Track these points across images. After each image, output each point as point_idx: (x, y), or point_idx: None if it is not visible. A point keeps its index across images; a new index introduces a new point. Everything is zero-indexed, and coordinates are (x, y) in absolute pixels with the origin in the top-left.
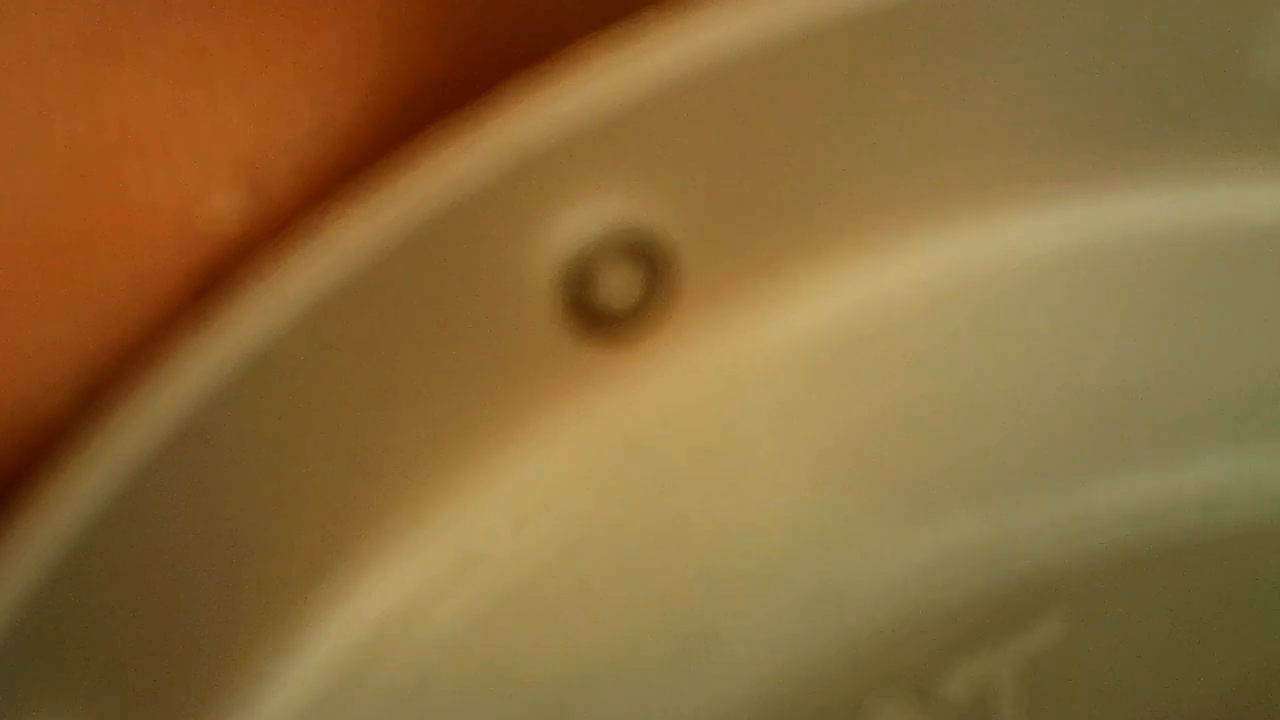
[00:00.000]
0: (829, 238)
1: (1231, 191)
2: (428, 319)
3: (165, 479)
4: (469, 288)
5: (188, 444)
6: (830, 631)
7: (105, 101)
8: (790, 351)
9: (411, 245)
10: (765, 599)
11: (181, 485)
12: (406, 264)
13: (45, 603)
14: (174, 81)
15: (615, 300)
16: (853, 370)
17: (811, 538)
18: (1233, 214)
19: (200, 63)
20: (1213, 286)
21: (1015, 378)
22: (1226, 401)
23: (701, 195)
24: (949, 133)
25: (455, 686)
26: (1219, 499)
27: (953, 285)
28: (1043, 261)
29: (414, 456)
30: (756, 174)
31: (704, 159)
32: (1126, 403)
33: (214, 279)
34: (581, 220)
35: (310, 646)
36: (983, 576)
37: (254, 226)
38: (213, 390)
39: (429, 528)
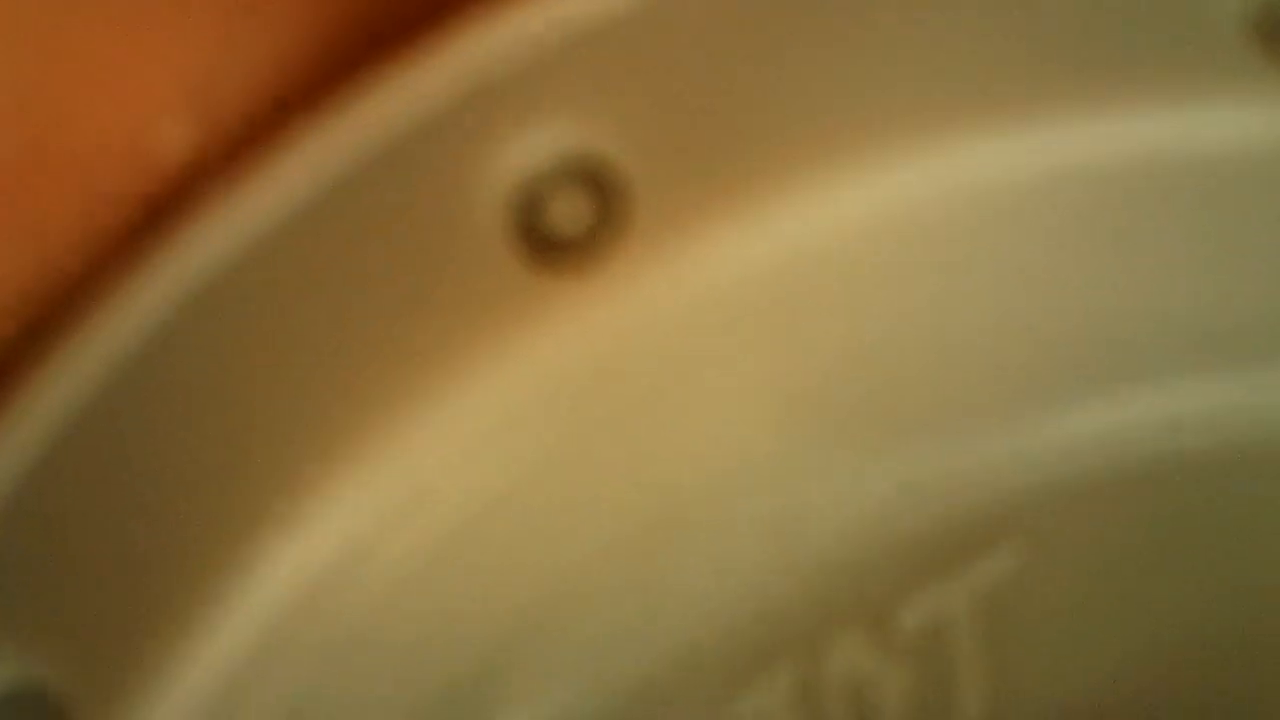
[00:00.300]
0: (786, 165)
1: (1190, 118)
2: (378, 245)
3: (109, 412)
4: (420, 214)
5: (132, 376)
6: (787, 563)
7: (47, 28)
8: (746, 281)
9: (362, 171)
10: (722, 531)
11: (126, 418)
12: (356, 190)
13: None
14: (119, 7)
15: (567, 227)
16: (810, 300)
17: (768, 469)
18: (1193, 142)
19: None
20: (1170, 214)
21: (974, 308)
22: (1184, 328)
23: (654, 121)
24: (910, 55)
25: (405, 622)
26: (1175, 426)
27: (912, 213)
28: (1004, 188)
29: (363, 386)
30: (710, 98)
31: (656, 84)
32: (1085, 332)
33: (165, 208)
34: (533, 146)
35: (258, 582)
36: (939, 507)
37: (205, 155)
38: (158, 321)
39: (378, 459)
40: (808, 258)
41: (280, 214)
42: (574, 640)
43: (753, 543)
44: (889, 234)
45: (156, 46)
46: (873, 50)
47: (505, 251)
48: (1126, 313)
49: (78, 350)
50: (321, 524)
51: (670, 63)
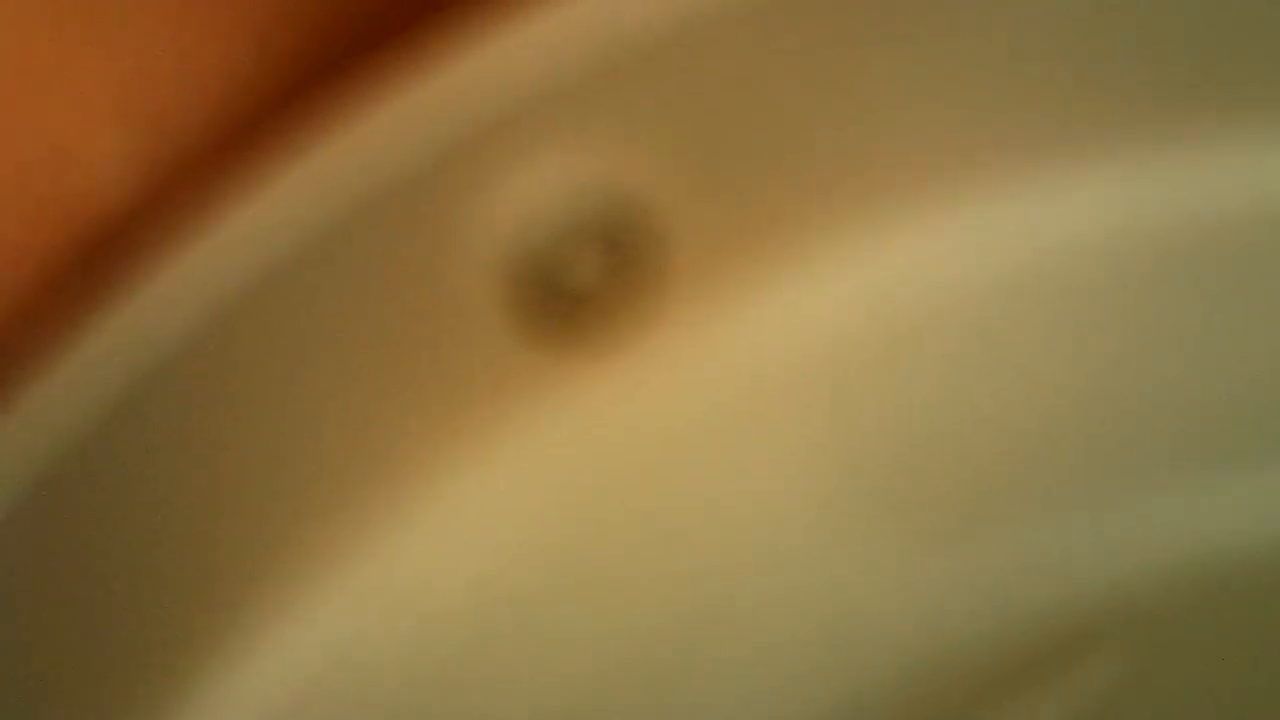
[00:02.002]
0: (833, 217)
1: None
2: (348, 316)
3: (52, 499)
4: (397, 274)
5: (73, 469)
6: (851, 667)
7: None
8: (792, 351)
9: (329, 223)
10: (773, 632)
11: (70, 506)
12: (324, 246)
13: None
14: (45, 23)
15: (580, 288)
16: (866, 372)
17: (819, 565)
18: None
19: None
20: (1262, 278)
21: (1048, 383)
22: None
23: (688, 160)
24: (974, 94)
25: None
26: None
27: (981, 270)
28: (1080, 242)
29: (336, 480)
30: (750, 137)
31: (691, 115)
32: (1183, 407)
33: (96, 256)
34: (535, 187)
35: (230, 694)
36: (1023, 604)
37: (141, 188)
38: (102, 405)
39: (354, 561)
40: (861, 324)
41: (239, 276)
42: None
43: (802, 650)
44: (956, 295)
45: (86, 54)
46: (934, 85)
47: (504, 318)
48: (1219, 389)
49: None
50: (293, 638)
51: (706, 92)
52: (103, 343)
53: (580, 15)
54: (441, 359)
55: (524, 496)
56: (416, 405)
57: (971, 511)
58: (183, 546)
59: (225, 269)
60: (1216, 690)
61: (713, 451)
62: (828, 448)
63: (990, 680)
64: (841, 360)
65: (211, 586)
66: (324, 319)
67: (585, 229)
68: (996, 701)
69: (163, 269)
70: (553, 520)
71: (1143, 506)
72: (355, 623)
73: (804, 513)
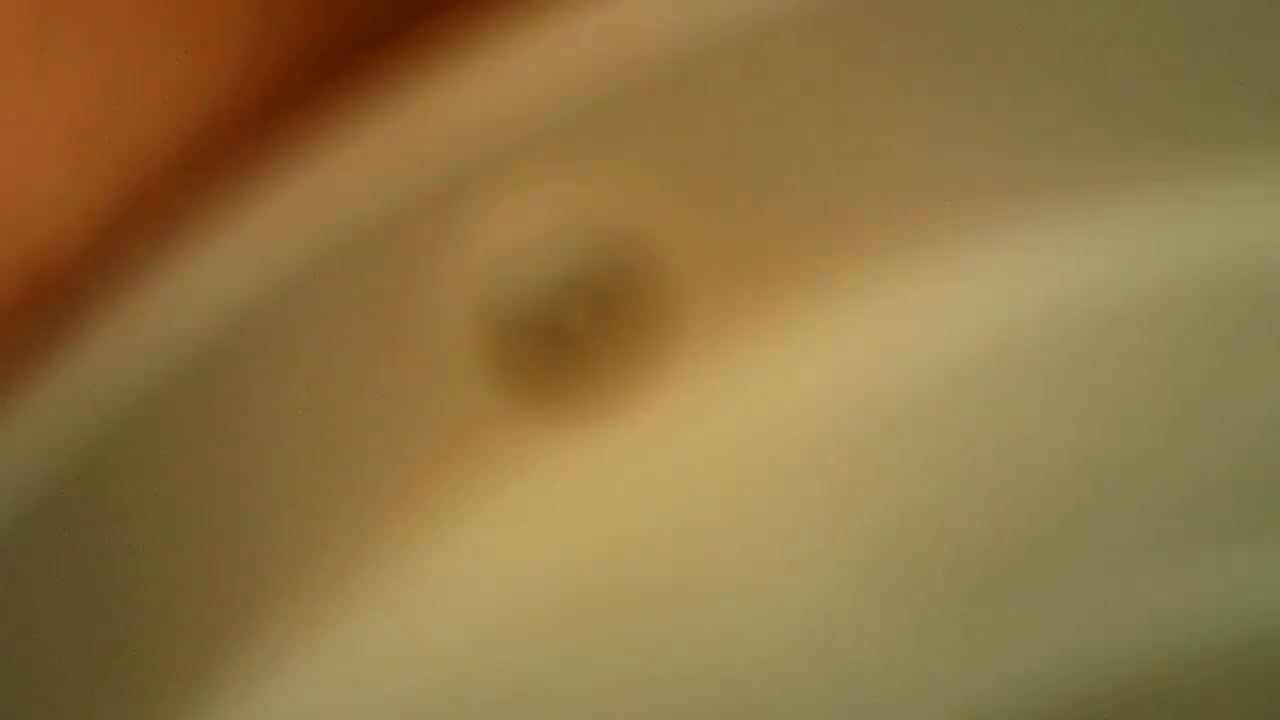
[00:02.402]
0: (846, 267)
1: None
2: (324, 363)
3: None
4: (377, 320)
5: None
6: None
7: None
8: (799, 410)
9: (303, 264)
10: (777, 712)
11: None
12: (296, 289)
13: None
14: None
15: (572, 338)
16: (879, 431)
17: (844, 651)
18: None
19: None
20: None
21: (1093, 446)
22: None
23: (687, 204)
24: (994, 131)
25: None
26: None
27: (1001, 325)
28: (1113, 291)
29: (301, 557)
30: (752, 181)
31: (691, 156)
32: (1224, 471)
33: (45, 300)
34: (527, 231)
35: None
36: (1063, 698)
37: (97, 219)
38: (32, 485)
39: (318, 644)
40: (889, 381)
41: (206, 318)
42: None
43: None
44: (979, 350)
45: (38, 78)
46: (953, 121)
47: (489, 368)
48: (1253, 449)
49: None
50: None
51: (707, 130)
52: (58, 390)
53: (578, 47)
54: (426, 411)
55: (510, 562)
56: (399, 460)
57: (999, 590)
58: (148, 610)
59: (191, 311)
60: None
61: (712, 518)
62: (850, 523)
63: None
64: (852, 419)
65: (182, 648)
66: (298, 364)
67: (577, 275)
68: None
69: (131, 305)
70: (538, 589)
71: (1192, 575)
72: (334, 679)
73: (812, 586)
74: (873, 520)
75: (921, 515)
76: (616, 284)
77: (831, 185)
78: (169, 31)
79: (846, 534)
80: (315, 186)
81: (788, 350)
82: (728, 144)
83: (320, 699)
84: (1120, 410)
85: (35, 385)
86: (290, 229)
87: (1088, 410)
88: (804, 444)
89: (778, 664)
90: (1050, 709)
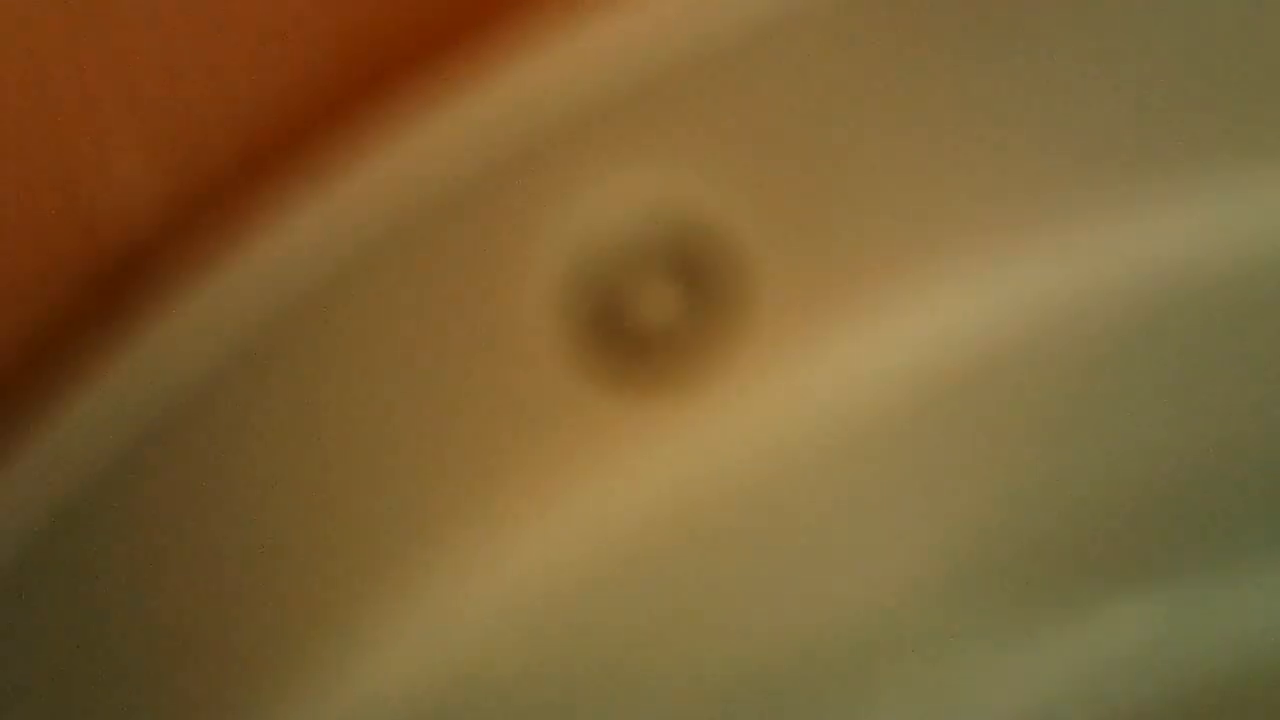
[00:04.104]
0: (934, 246)
1: None
2: (390, 351)
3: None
4: (452, 300)
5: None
6: None
7: None
8: (886, 397)
9: (368, 249)
10: (856, 699)
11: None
12: (359, 277)
13: None
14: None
15: (648, 322)
16: (969, 420)
17: (921, 638)
18: None
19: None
20: None
21: (1189, 427)
22: None
23: (775, 186)
24: (1078, 116)
25: None
26: None
27: (1078, 312)
28: (1191, 273)
29: (379, 540)
30: (841, 155)
31: (779, 137)
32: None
33: (124, 278)
34: (605, 211)
35: None
36: (1165, 685)
37: (173, 209)
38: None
39: (397, 629)
40: (971, 363)
41: (264, 308)
42: None
43: None
44: (1069, 329)
45: (108, 70)
46: (1034, 105)
47: (565, 352)
48: None
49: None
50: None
51: (789, 116)
52: (135, 366)
53: (656, 26)
54: (501, 392)
55: (586, 545)
56: (470, 439)
57: (1096, 582)
58: (222, 602)
59: (266, 288)
60: None
61: (796, 509)
62: (928, 508)
63: None
64: (942, 411)
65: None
66: (371, 344)
67: (654, 259)
68: None
69: (186, 298)
70: (614, 572)
71: (1250, 574)
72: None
73: (899, 581)
74: (965, 505)
75: (1020, 502)
76: (692, 268)
77: (905, 177)
78: (240, 11)
79: (933, 517)
80: (388, 165)
81: (862, 334)
82: (803, 129)
83: (420, 669)
84: (1189, 401)
85: (110, 366)
86: (363, 207)
87: (1161, 401)
88: (878, 427)
89: (845, 645)
90: (1121, 708)
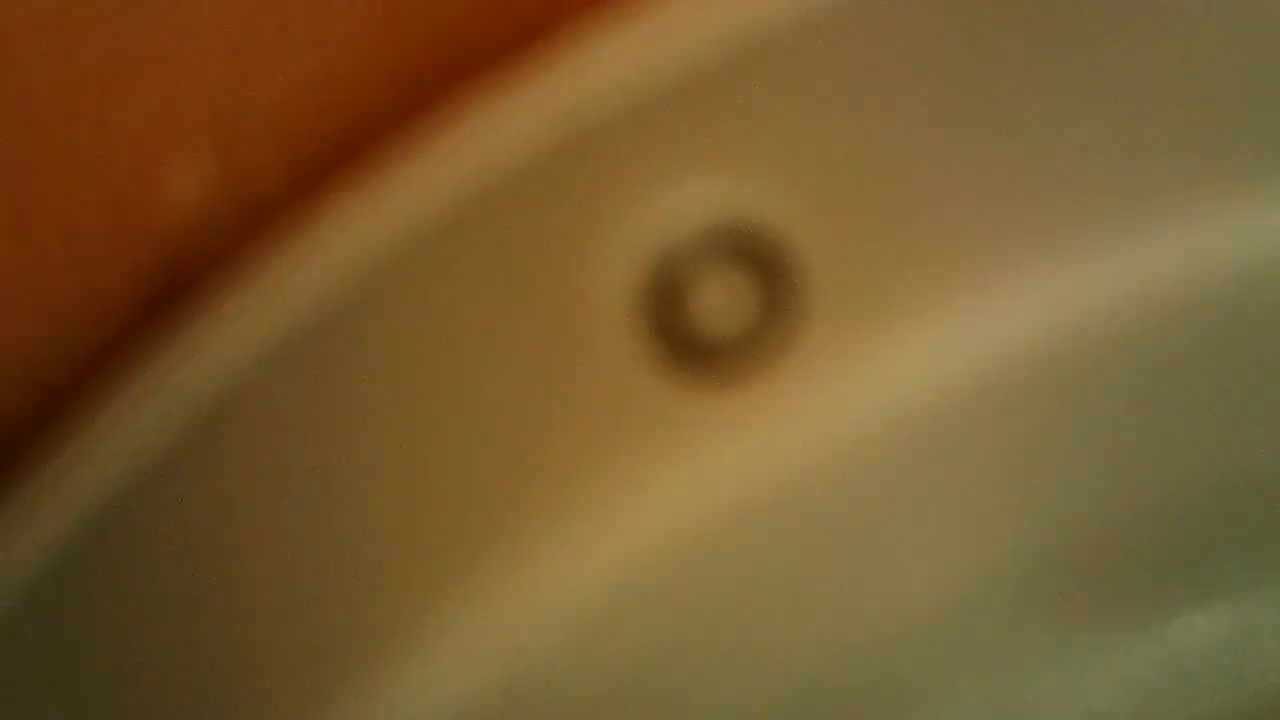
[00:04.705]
0: (999, 249)
1: None
2: (457, 352)
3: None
4: (518, 307)
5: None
6: None
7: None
8: (954, 397)
9: (432, 247)
10: (915, 704)
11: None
12: (427, 273)
13: None
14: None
15: (717, 323)
16: (1040, 421)
17: (986, 648)
18: None
19: None
20: None
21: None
22: None
23: (832, 186)
24: (1149, 124)
25: None
26: None
27: (1120, 324)
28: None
29: (447, 537)
30: (904, 164)
31: (838, 138)
32: None
33: (180, 277)
34: (673, 213)
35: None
36: (1238, 692)
37: (229, 207)
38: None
39: (465, 627)
40: (1031, 370)
41: (326, 302)
42: None
43: None
44: (1134, 338)
45: (176, 63)
46: (1101, 117)
47: (635, 354)
48: None
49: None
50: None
51: (853, 107)
52: (183, 374)
53: (704, 21)
54: (571, 386)
55: (647, 540)
56: (538, 425)
57: (1166, 591)
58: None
59: (318, 285)
60: None
61: (859, 508)
62: (994, 512)
63: None
64: (1010, 412)
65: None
66: (429, 356)
67: (722, 259)
68: None
69: (244, 294)
70: (677, 568)
71: None
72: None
73: (965, 586)
74: (1031, 511)
75: (1085, 510)
76: (759, 268)
77: (965, 181)
78: (308, 7)
79: (999, 522)
80: (452, 154)
81: (916, 337)
82: (873, 141)
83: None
84: (1223, 415)
85: (175, 355)
86: (423, 204)
87: (1214, 412)
88: (927, 429)
89: (903, 649)
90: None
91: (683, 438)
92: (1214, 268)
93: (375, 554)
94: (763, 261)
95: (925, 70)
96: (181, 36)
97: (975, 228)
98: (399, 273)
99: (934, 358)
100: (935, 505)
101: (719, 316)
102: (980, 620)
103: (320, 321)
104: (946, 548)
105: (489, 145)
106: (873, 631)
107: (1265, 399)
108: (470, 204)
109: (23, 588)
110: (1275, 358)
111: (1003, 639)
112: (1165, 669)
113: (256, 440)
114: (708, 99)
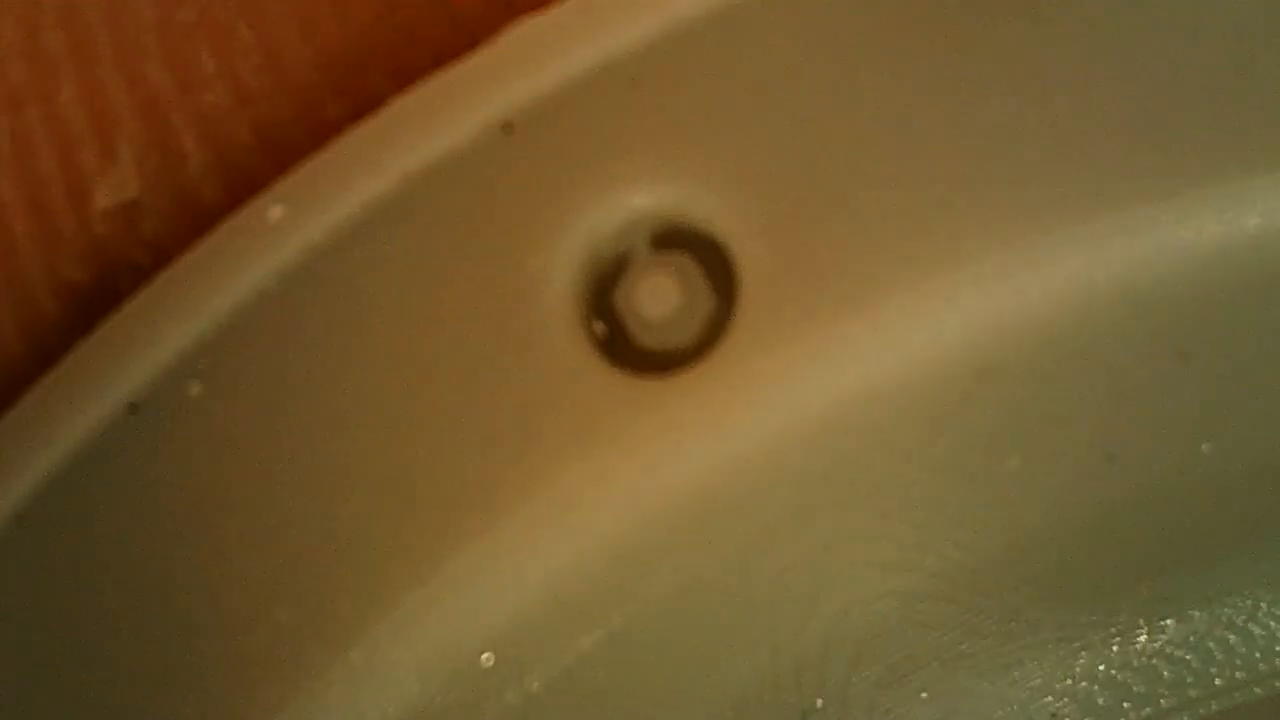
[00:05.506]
0: (938, 250)
1: None
2: (413, 347)
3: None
4: (464, 295)
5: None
6: None
7: None
8: (868, 395)
9: (371, 245)
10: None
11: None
12: (362, 276)
13: None
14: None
15: (658, 315)
16: (949, 417)
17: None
18: None
19: None
20: None
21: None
22: None
23: (772, 181)
24: (1090, 121)
25: None
26: None
27: (1094, 312)
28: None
29: (399, 535)
30: (843, 161)
31: (778, 136)
32: None
33: (109, 284)
34: (611, 209)
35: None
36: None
37: (159, 214)
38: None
39: (418, 621)
40: (967, 362)
41: (272, 295)
42: None
43: None
44: (1071, 339)
45: (108, 66)
46: (1046, 116)
47: (575, 349)
48: None
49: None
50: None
51: (790, 108)
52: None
53: (643, 19)
54: (517, 393)
55: (579, 533)
56: (486, 439)
57: (1160, 595)
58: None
59: (266, 277)
60: None
61: (778, 486)
62: (901, 483)
63: None
64: (921, 399)
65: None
66: (383, 352)
67: (662, 254)
68: None
69: (185, 294)
70: (606, 568)
71: None
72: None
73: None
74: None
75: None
76: (694, 259)
77: (898, 182)
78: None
79: (917, 521)
80: (388, 155)
81: (855, 330)
82: (805, 146)
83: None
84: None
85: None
86: (359, 198)
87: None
88: (870, 422)
89: (844, 650)
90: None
91: (620, 431)
92: (1146, 269)
93: (319, 568)
94: (703, 256)
95: (861, 65)
96: (111, 45)
97: (912, 226)
98: (336, 271)
99: (871, 351)
100: (878, 497)
101: (659, 310)
102: (935, 614)
103: (257, 318)
104: (891, 541)
105: (427, 145)
106: (820, 637)
107: (1222, 401)
108: (408, 202)
109: None
110: (1233, 363)
111: (955, 639)
112: (1130, 671)
113: (176, 447)
114: (644, 95)
